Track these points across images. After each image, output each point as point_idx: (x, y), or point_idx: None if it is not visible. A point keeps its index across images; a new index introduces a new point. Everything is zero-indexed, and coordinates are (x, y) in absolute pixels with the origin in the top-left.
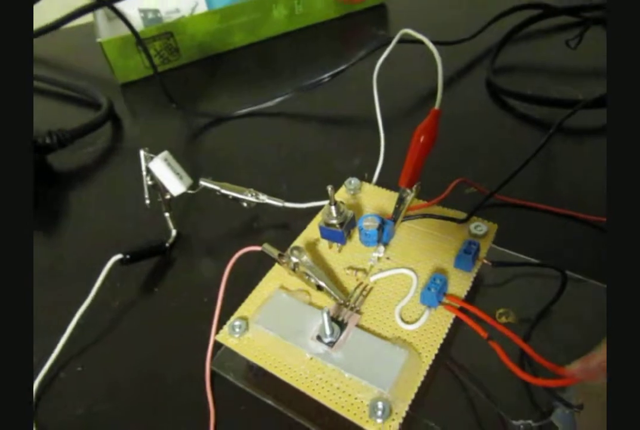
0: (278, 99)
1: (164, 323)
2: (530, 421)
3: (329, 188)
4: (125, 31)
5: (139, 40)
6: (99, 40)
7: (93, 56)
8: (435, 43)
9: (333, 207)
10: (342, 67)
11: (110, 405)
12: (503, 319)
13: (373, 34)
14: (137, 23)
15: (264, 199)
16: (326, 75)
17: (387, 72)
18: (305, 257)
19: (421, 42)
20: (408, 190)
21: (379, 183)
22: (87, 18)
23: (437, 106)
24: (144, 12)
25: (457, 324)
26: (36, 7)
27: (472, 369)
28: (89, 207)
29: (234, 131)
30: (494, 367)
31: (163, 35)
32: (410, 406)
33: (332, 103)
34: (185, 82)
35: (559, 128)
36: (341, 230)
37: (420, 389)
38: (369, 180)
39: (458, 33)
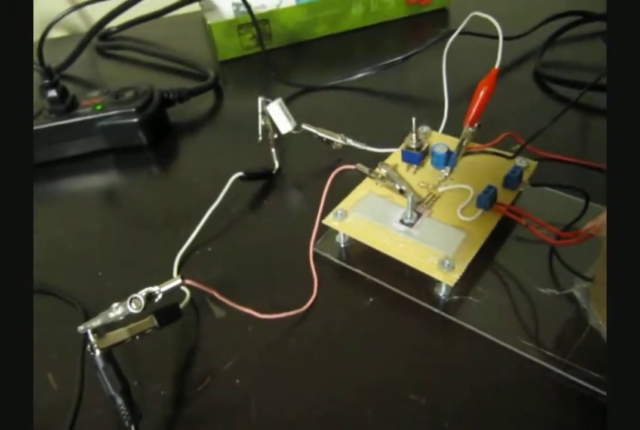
0: (359, 75)
1: (272, 224)
2: (555, 290)
3: (413, 119)
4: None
5: (253, 21)
6: (209, 22)
7: (190, 40)
8: (491, 37)
9: (414, 135)
10: (414, 51)
11: (237, 273)
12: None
13: (435, 32)
14: (229, 14)
15: (351, 142)
16: (399, 57)
17: (451, 59)
18: (391, 170)
19: (483, 35)
20: (470, 128)
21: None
22: (183, 10)
23: (496, 66)
24: (236, 5)
25: (501, 228)
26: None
27: (512, 255)
28: (202, 149)
29: (320, 100)
30: (527, 254)
31: (260, 22)
32: (465, 276)
33: (404, 81)
34: (276, 61)
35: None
36: (419, 153)
37: (470, 264)
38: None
39: (512, 32)
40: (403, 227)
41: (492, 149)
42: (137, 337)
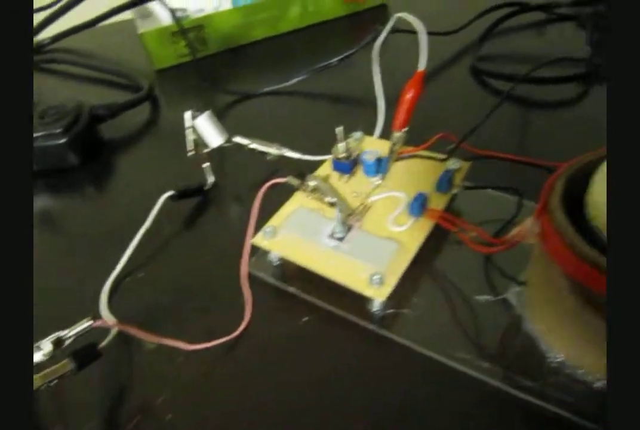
0: (294, 80)
1: (206, 244)
2: (490, 296)
3: (338, 129)
4: (159, 25)
5: (181, 29)
6: (140, 31)
7: (126, 49)
8: (428, 33)
9: (342, 144)
10: (349, 53)
11: (170, 298)
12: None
13: (375, 29)
14: (167, 20)
15: (286, 151)
16: (335, 59)
17: (388, 58)
18: (320, 182)
19: (415, 32)
20: (399, 133)
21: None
22: (117, 18)
23: (420, 68)
24: (173, 10)
25: (437, 233)
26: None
27: (449, 261)
28: (137, 164)
29: (258, 107)
30: (463, 260)
31: (195, 27)
32: (401, 287)
33: (340, 83)
34: (212, 68)
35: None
36: (348, 162)
37: (405, 274)
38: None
39: (449, 27)
40: (333, 242)
41: (425, 152)
42: (54, 382)
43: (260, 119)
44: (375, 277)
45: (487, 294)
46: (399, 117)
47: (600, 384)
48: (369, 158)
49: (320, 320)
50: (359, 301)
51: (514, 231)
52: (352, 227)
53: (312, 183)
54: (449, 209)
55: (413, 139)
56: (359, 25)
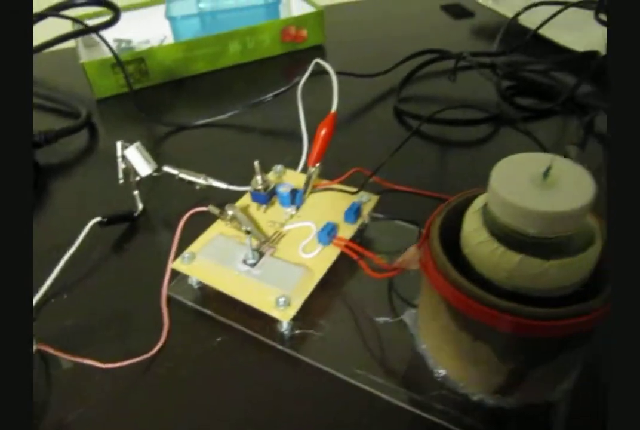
0: (229, 114)
1: (131, 269)
2: (389, 318)
3: (256, 163)
4: (102, 55)
5: (118, 61)
6: (81, 61)
7: (70, 77)
8: (357, 75)
9: (259, 177)
10: (282, 90)
11: (92, 320)
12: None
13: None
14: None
15: (212, 182)
16: (268, 95)
17: (318, 97)
18: (237, 211)
19: (345, 74)
20: (313, 168)
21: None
22: (63, 45)
23: (333, 110)
24: (118, 41)
25: (345, 261)
26: None
27: (356, 286)
28: (71, 190)
29: (193, 139)
30: (369, 285)
31: (136, 60)
32: (304, 311)
33: (273, 118)
34: (152, 99)
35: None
36: (265, 194)
37: (314, 298)
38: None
39: (379, 69)
40: (245, 268)
41: (339, 186)
42: None
43: (193, 150)
44: (281, 300)
45: (387, 316)
46: (313, 153)
47: (477, 397)
48: (284, 190)
49: (234, 341)
50: (270, 323)
51: (400, 258)
52: (265, 253)
53: (230, 212)
54: (361, 238)
55: (334, 173)
56: (297, 64)
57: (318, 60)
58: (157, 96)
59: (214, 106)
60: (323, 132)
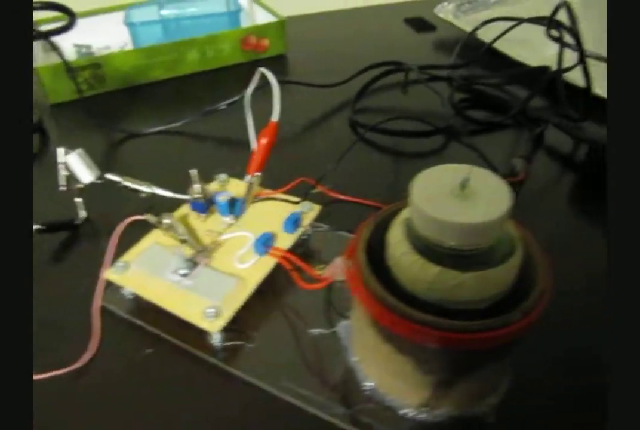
0: (182, 121)
1: (69, 277)
2: (323, 330)
3: (193, 171)
4: (59, 60)
5: (68, 68)
6: (35, 65)
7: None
8: (314, 86)
9: (197, 185)
10: (235, 98)
11: None
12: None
13: (284, 81)
14: (72, 55)
15: (157, 190)
16: (223, 103)
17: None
18: (174, 220)
19: (303, 84)
20: (252, 177)
21: None
22: None
23: (274, 119)
24: (78, 46)
25: (284, 271)
26: None
27: (293, 299)
28: None
29: (143, 146)
30: (308, 297)
31: (92, 65)
32: (237, 322)
33: (226, 126)
34: (108, 105)
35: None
36: (203, 203)
37: (249, 309)
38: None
39: (339, 80)
40: (177, 278)
41: (282, 195)
42: None
43: (144, 157)
44: (209, 311)
45: (322, 327)
46: (253, 162)
47: (404, 410)
48: (222, 199)
49: (165, 352)
50: (202, 335)
51: (326, 269)
52: (199, 263)
53: (166, 221)
54: (304, 248)
55: (283, 183)
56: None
57: (262, 69)
58: (113, 102)
59: (169, 114)
60: (263, 141)
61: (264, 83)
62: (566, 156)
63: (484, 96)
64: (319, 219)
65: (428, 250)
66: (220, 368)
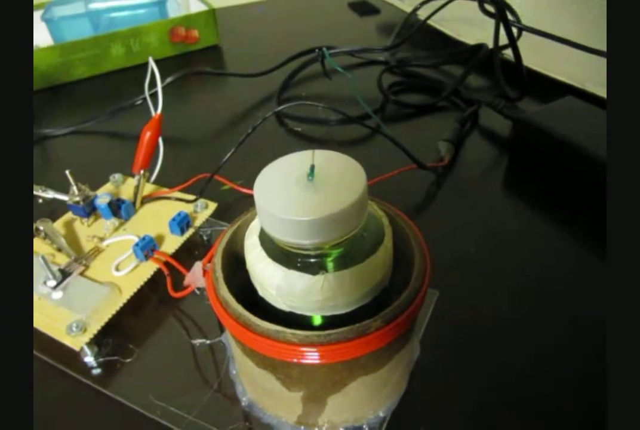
0: (94, 121)
1: None
2: (206, 340)
3: (67, 172)
4: None
5: None
6: None
7: None
8: (241, 75)
9: (74, 187)
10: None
11: None
12: None
13: (198, 71)
14: None
15: (53, 194)
16: (138, 98)
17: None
18: (50, 226)
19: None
20: (138, 175)
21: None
22: None
23: (158, 111)
24: None
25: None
26: None
27: (174, 304)
28: None
29: (59, 148)
30: (192, 304)
31: None
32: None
33: (141, 123)
34: None
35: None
36: (82, 206)
37: (127, 318)
38: (148, 180)
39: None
40: (46, 290)
41: (178, 194)
42: None
43: (53, 160)
44: (73, 325)
45: (210, 337)
46: (137, 159)
47: (281, 429)
48: (101, 201)
49: (37, 371)
50: (75, 351)
51: (187, 276)
52: (72, 273)
53: (40, 227)
54: (206, 249)
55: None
56: (189, 66)
57: (150, 59)
58: (34, 103)
59: (88, 113)
60: (147, 135)
61: (184, 74)
62: (500, 137)
63: (418, 78)
64: (225, 217)
65: (277, 251)
66: (92, 386)
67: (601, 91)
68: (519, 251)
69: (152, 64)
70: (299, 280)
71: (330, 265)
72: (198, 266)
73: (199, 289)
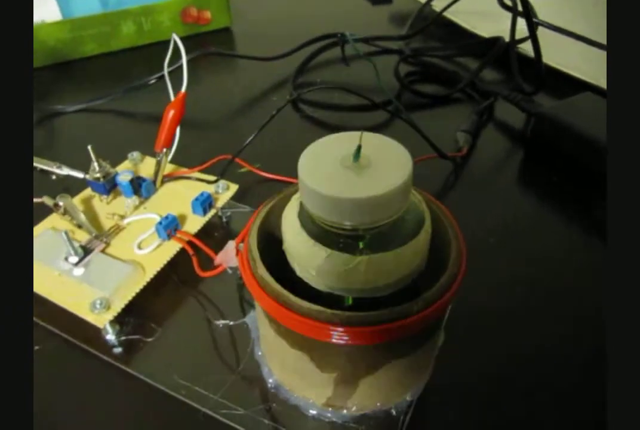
0: (106, 98)
1: None
2: (230, 321)
3: (89, 147)
4: None
5: None
6: None
7: None
8: (257, 59)
9: (95, 163)
10: (161, 74)
11: None
12: None
13: (214, 52)
14: None
15: (68, 171)
16: (153, 77)
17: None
18: (70, 202)
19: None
20: (160, 154)
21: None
22: None
23: (183, 90)
24: None
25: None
26: None
27: (196, 284)
28: None
29: (66, 124)
30: (219, 284)
31: None
32: (136, 314)
33: (154, 102)
34: (37, 82)
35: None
36: (102, 183)
37: (150, 297)
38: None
39: (283, 52)
40: (67, 266)
41: (198, 174)
42: None
43: (64, 137)
44: (97, 302)
45: (233, 318)
46: (160, 137)
47: (309, 410)
48: (123, 179)
49: (57, 349)
50: (98, 329)
51: (218, 255)
52: (93, 250)
53: (60, 203)
54: (225, 231)
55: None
56: (200, 47)
57: (174, 36)
58: (38, 80)
59: (97, 91)
60: (171, 113)
61: (199, 55)
62: (516, 130)
63: (434, 69)
64: (243, 199)
65: (319, 231)
66: (115, 365)
67: None
68: (533, 243)
69: (177, 39)
70: (341, 261)
71: (371, 247)
72: (231, 245)
73: (230, 268)
